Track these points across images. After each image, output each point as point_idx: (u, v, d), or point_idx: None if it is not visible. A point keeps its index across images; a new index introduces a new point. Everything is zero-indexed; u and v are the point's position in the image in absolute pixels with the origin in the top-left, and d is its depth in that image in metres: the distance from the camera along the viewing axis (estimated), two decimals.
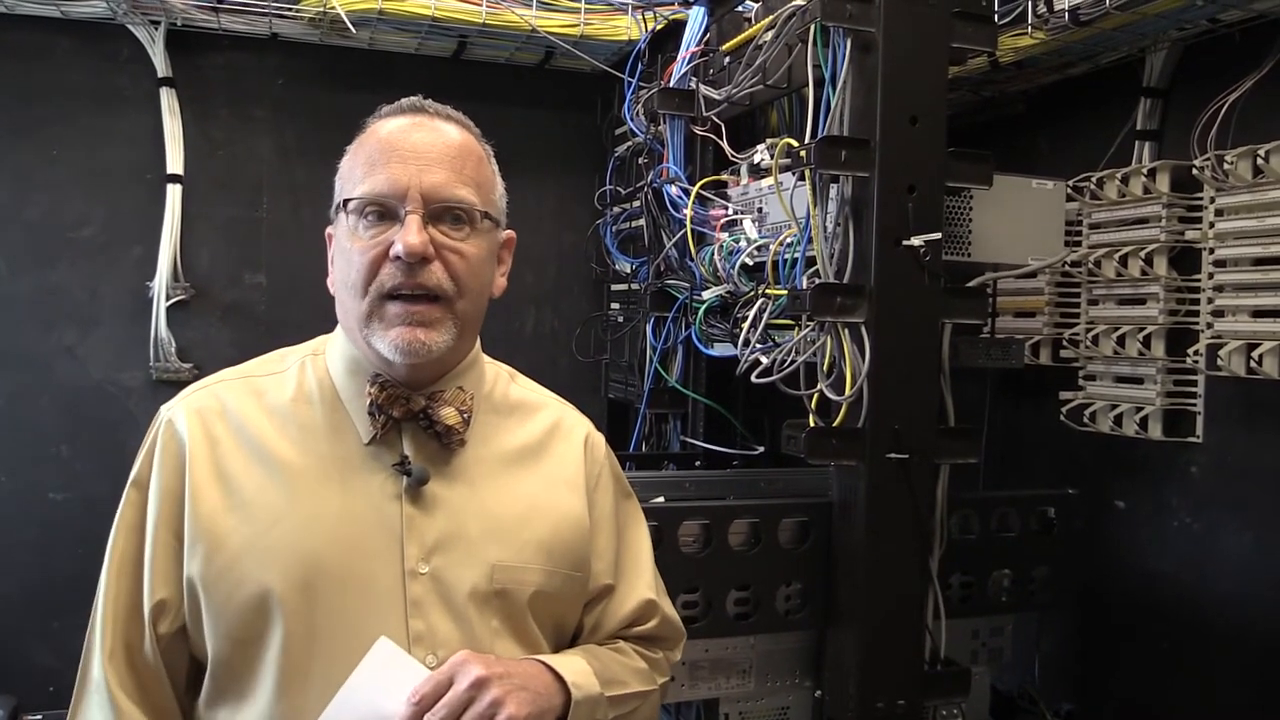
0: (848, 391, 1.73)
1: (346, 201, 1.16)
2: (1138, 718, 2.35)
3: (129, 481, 1.19)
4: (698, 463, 2.46)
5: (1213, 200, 2.08)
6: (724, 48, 2.24)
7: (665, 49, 2.57)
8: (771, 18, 1.93)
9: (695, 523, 1.83)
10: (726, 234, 2.12)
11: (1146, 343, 2.19)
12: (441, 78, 2.99)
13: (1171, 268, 2.18)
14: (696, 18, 2.37)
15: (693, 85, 2.32)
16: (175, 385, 1.18)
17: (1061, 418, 2.38)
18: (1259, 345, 1.95)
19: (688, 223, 2.23)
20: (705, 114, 2.28)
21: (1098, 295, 2.33)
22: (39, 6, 2.67)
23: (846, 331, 1.74)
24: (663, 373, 2.52)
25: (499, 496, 1.22)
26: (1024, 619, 2.19)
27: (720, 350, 2.26)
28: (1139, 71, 2.31)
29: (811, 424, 1.78)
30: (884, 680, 1.78)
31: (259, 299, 2.98)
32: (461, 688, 1.06)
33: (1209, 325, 2.08)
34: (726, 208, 2.17)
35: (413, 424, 1.20)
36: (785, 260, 1.89)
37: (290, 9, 2.72)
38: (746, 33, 2.13)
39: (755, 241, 2.02)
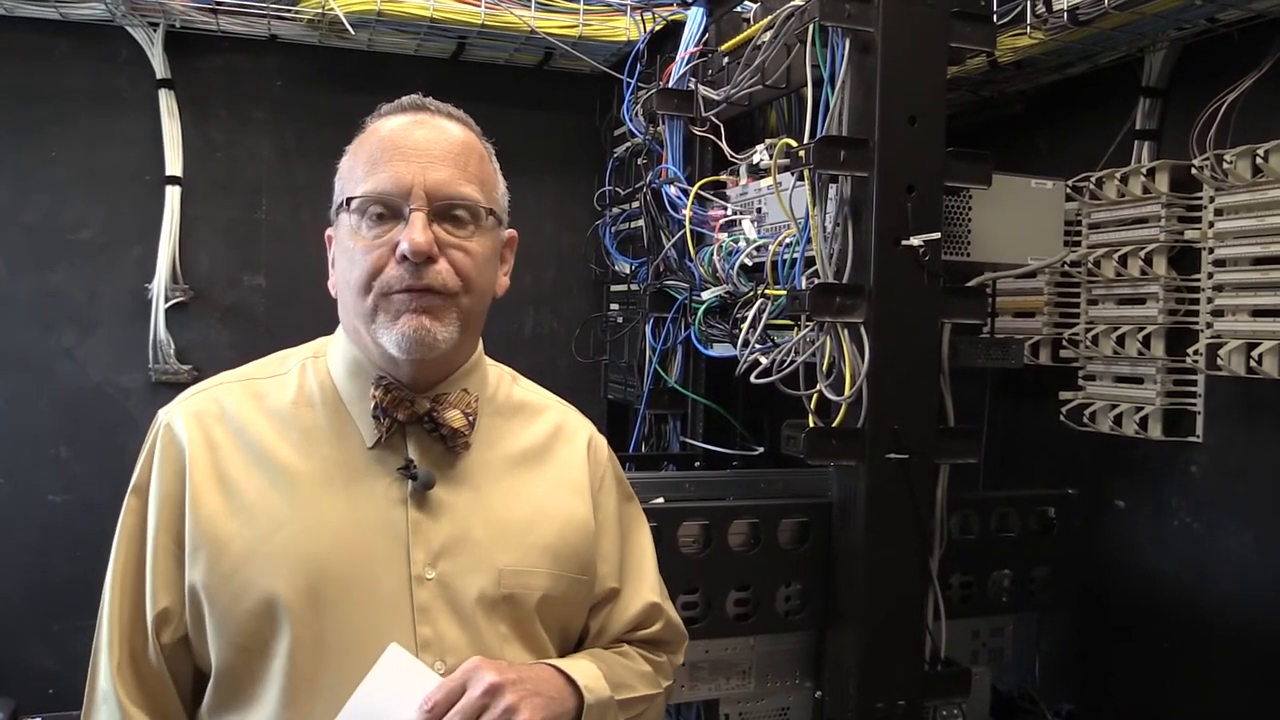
0: (847, 392, 1.72)
1: (349, 200, 1.15)
2: (1138, 718, 2.35)
3: (129, 488, 1.17)
4: (697, 463, 2.46)
5: (1212, 200, 2.07)
6: (723, 48, 2.24)
7: (664, 49, 2.57)
8: (770, 18, 1.93)
9: (695, 523, 1.83)
10: (725, 234, 2.12)
11: (1146, 342, 2.19)
12: (440, 79, 2.99)
13: (1171, 267, 2.18)
14: (695, 18, 2.37)
15: (691, 86, 2.32)
16: (174, 387, 1.17)
17: (1061, 418, 2.38)
18: (1259, 344, 1.95)
19: (687, 223, 2.22)
20: (704, 114, 2.28)
21: (1097, 295, 2.33)
22: (37, 8, 2.67)
23: (846, 332, 1.74)
24: (662, 373, 2.52)
25: (504, 500, 1.21)
26: (1024, 619, 2.19)
27: (719, 351, 2.26)
28: (1138, 71, 2.31)
29: (811, 424, 1.77)
30: (884, 681, 1.78)
31: (258, 301, 2.98)
32: (475, 694, 1.05)
33: (1209, 325, 2.08)
34: (725, 208, 2.17)
35: (417, 427, 1.18)
36: (784, 260, 1.89)
37: (289, 11, 2.72)
38: (745, 33, 2.13)
39: (754, 242, 2.02)
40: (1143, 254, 2.19)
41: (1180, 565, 2.25)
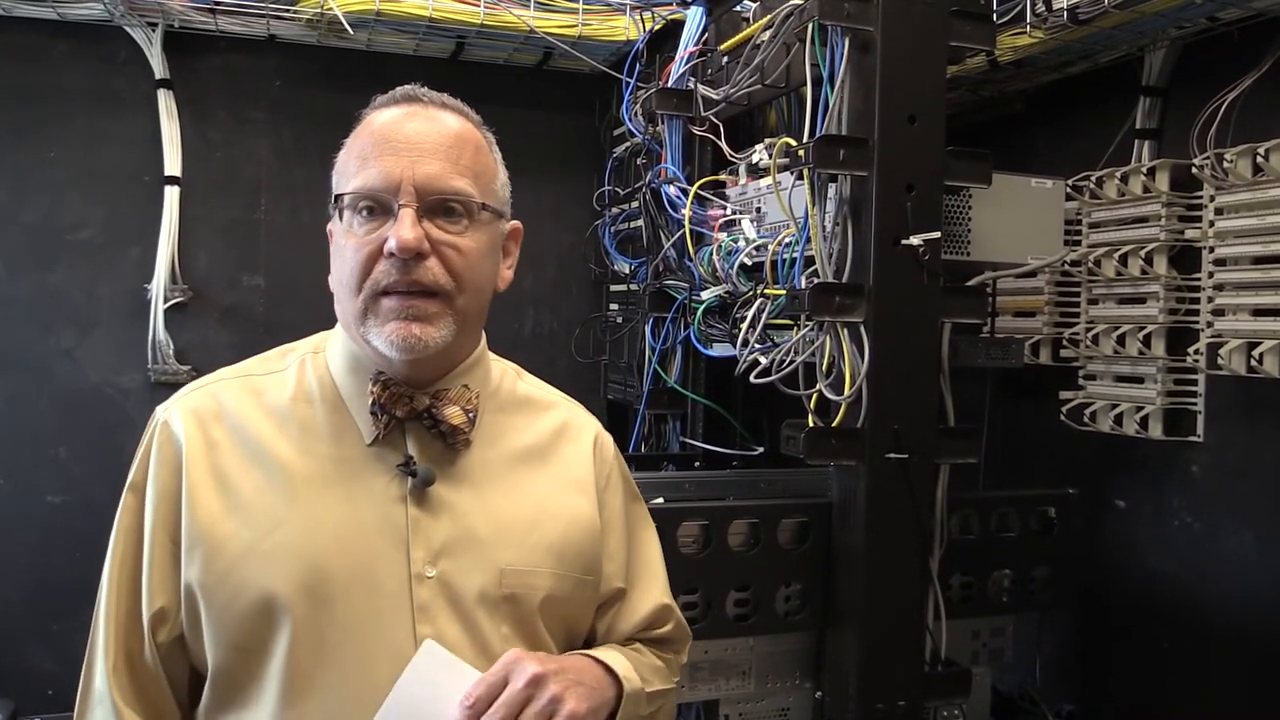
0: (847, 391, 1.72)
1: (340, 197, 1.14)
2: (1138, 718, 2.35)
3: (126, 485, 1.16)
4: (697, 463, 2.45)
5: (1212, 199, 2.07)
6: (722, 47, 2.24)
7: (663, 49, 2.57)
8: (769, 17, 1.92)
9: (694, 523, 1.83)
10: (725, 234, 2.12)
11: (1147, 342, 2.19)
12: (439, 79, 2.91)
13: (1171, 267, 2.17)
14: (694, 18, 2.36)
15: (691, 85, 2.32)
16: (173, 387, 1.17)
17: (1062, 417, 2.38)
18: (1259, 344, 1.94)
19: (686, 223, 2.22)
20: (703, 114, 2.27)
21: (1097, 294, 2.33)
22: (36, 8, 2.67)
23: (845, 331, 1.74)
24: (662, 373, 2.52)
25: (507, 498, 1.20)
26: (1024, 619, 2.19)
27: (719, 350, 2.25)
28: (1138, 70, 2.31)
29: (811, 424, 1.77)
30: (884, 681, 1.78)
31: (257, 301, 2.98)
32: (518, 686, 1.03)
33: (1209, 324, 2.07)
34: (725, 208, 2.17)
35: (416, 424, 1.16)
36: (784, 260, 1.88)
37: (288, 10, 2.72)
38: (744, 32, 2.13)
39: (754, 241, 2.02)
40: (1143, 253, 2.18)
41: (1181, 565, 2.25)
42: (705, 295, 2.19)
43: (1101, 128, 2.41)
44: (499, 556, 1.16)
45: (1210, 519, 2.19)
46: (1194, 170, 2.08)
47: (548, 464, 1.25)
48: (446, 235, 1.12)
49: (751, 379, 1.87)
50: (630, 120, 2.56)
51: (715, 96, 2.21)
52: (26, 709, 2.60)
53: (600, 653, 1.21)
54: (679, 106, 2.34)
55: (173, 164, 2.87)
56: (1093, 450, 2.41)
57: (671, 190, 2.31)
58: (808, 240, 1.80)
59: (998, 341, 1.94)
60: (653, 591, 1.32)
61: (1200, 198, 2.12)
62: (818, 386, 1.76)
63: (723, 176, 2.29)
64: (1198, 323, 2.12)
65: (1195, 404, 2.17)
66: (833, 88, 1.76)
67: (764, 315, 1.90)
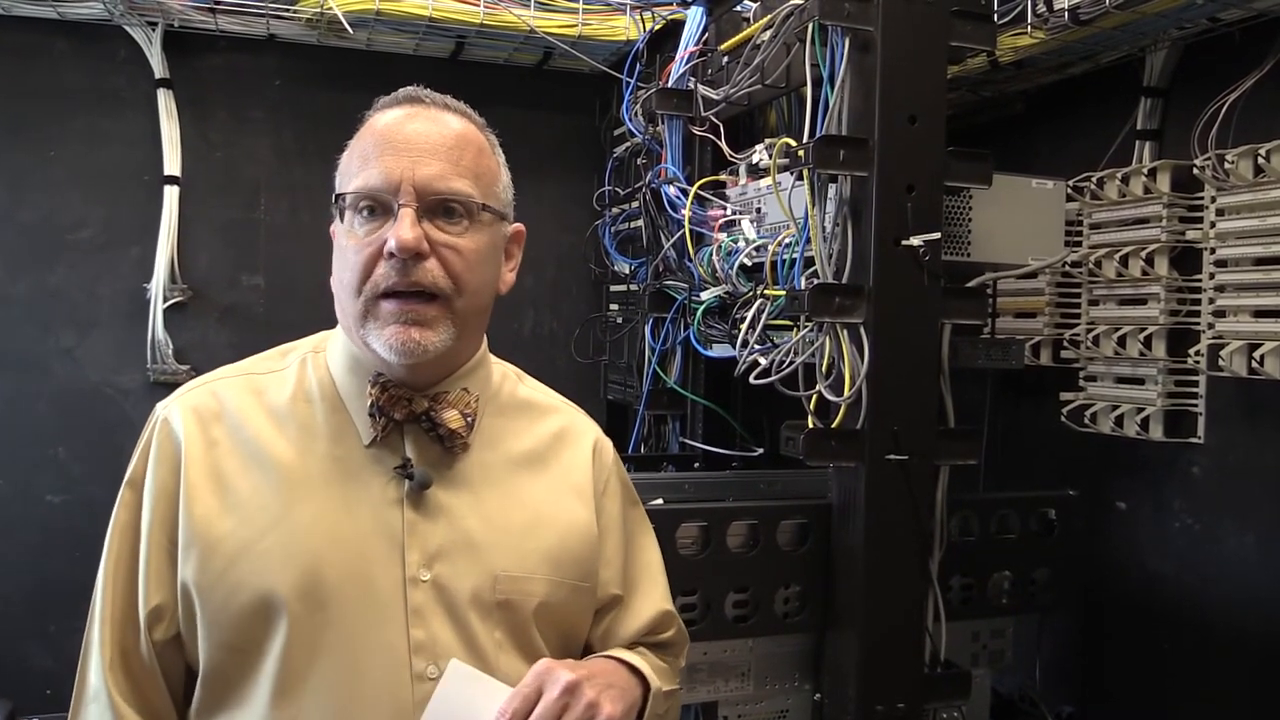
0: (846, 392, 1.72)
1: (341, 197, 1.13)
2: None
3: (124, 481, 1.16)
4: (696, 464, 2.45)
5: (1214, 200, 2.07)
6: (722, 47, 2.24)
7: (664, 49, 2.56)
8: (770, 17, 1.92)
9: (694, 524, 1.82)
10: (725, 234, 2.12)
11: (1147, 343, 2.18)
12: (439, 78, 2.93)
13: (1172, 268, 2.17)
14: (695, 18, 2.36)
15: (691, 85, 2.31)
16: (172, 387, 1.17)
17: (1062, 418, 2.37)
18: (1260, 345, 1.94)
19: (686, 223, 2.22)
20: (703, 114, 2.27)
21: (1098, 295, 2.33)
22: (35, 8, 2.66)
23: (845, 332, 1.73)
24: (661, 374, 2.51)
25: (504, 504, 1.19)
26: (1025, 621, 2.18)
27: (719, 351, 2.25)
28: (1139, 71, 2.31)
29: (810, 425, 1.77)
30: (884, 683, 1.77)
31: (257, 301, 2.98)
32: (553, 696, 1.03)
33: (1210, 325, 2.07)
34: (725, 208, 2.17)
35: (415, 426, 1.16)
36: (784, 260, 1.88)
37: (287, 10, 2.72)
38: (745, 32, 2.12)
39: (754, 242, 2.02)
40: (1144, 254, 2.18)
41: (1181, 567, 2.24)
42: (705, 296, 2.19)
43: (1102, 128, 2.40)
44: (494, 562, 1.15)
45: (1211, 520, 2.19)
46: (1195, 171, 2.07)
47: (546, 469, 1.25)
48: (446, 236, 1.11)
49: (751, 380, 1.86)
50: (630, 120, 2.56)
51: (715, 96, 2.21)
52: (25, 708, 2.60)
53: (621, 654, 1.22)
54: (679, 106, 2.34)
55: (172, 163, 2.87)
56: (1093, 451, 2.40)
57: (671, 190, 2.31)
58: (808, 241, 1.80)
59: (998, 343, 1.94)
60: (653, 597, 1.32)
61: (1201, 199, 2.11)
62: (817, 387, 1.76)
63: (723, 177, 2.28)
64: (1199, 324, 2.11)
65: (1196, 405, 2.17)
66: (833, 88, 1.76)
67: (764, 316, 1.89)
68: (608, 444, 1.34)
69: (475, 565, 1.14)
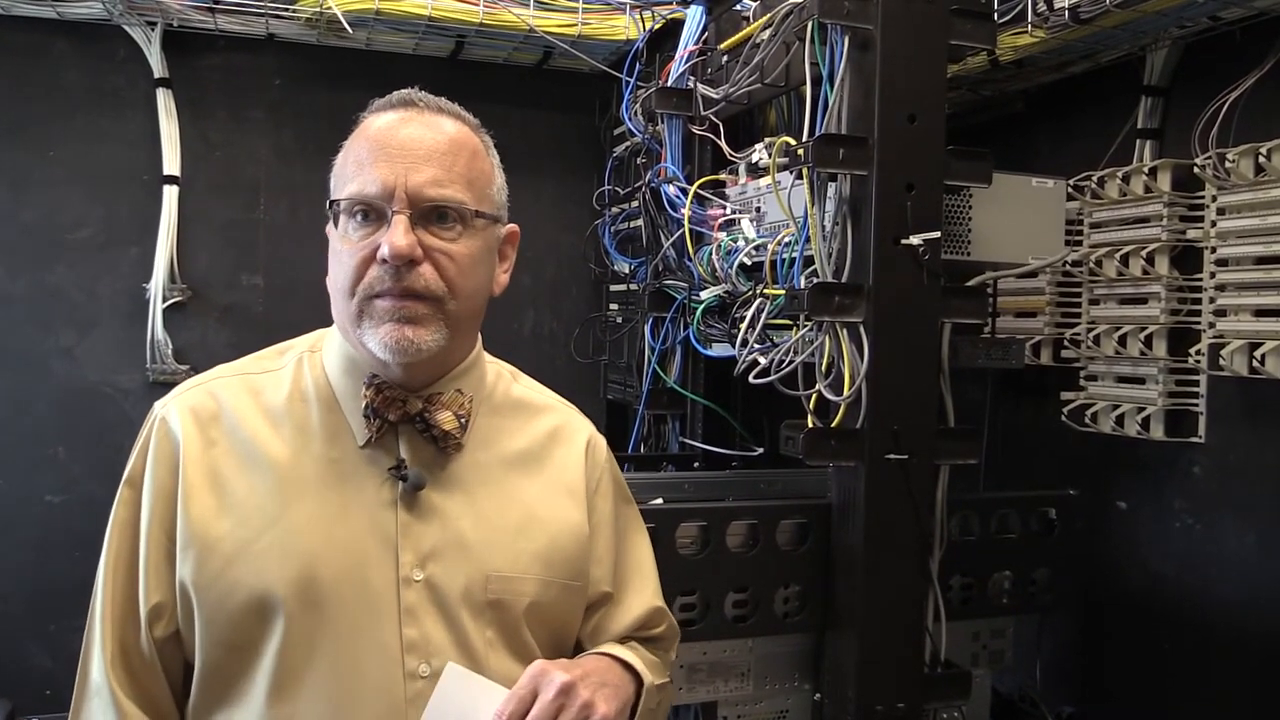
0: (846, 392, 1.71)
1: (335, 202, 1.14)
2: None
3: (123, 480, 1.17)
4: (696, 464, 2.45)
5: (1214, 199, 2.06)
6: (722, 46, 2.23)
7: (663, 48, 2.56)
8: (769, 16, 1.91)
9: (693, 524, 1.82)
10: (724, 234, 2.11)
11: (1148, 342, 2.18)
12: (439, 78, 2.94)
13: (1173, 267, 2.16)
14: (694, 17, 2.36)
15: (691, 84, 2.31)
16: (172, 387, 1.18)
17: (1063, 418, 2.37)
18: (1261, 345, 1.93)
19: (686, 222, 2.21)
20: (703, 113, 2.26)
21: (1099, 295, 2.32)
22: (35, 7, 2.66)
23: (845, 331, 1.73)
24: (661, 373, 2.51)
25: (497, 504, 1.20)
26: (1025, 621, 2.18)
27: (718, 351, 2.25)
28: (1140, 70, 2.30)
29: (810, 425, 1.76)
30: (883, 683, 1.77)
31: (256, 300, 2.98)
32: (549, 697, 1.05)
33: (1211, 325, 2.06)
34: (724, 207, 2.16)
35: (409, 427, 1.17)
36: (783, 260, 1.88)
37: (287, 9, 2.72)
38: (744, 31, 2.12)
39: (753, 241, 2.01)
40: (1145, 253, 2.17)
41: (1182, 566, 2.24)
42: (705, 295, 2.18)
43: (1103, 127, 2.40)
44: (486, 562, 1.17)
45: (1212, 520, 2.18)
46: (1196, 170, 2.07)
47: (540, 469, 1.26)
48: (439, 242, 1.12)
49: (751, 379, 1.86)
50: (630, 119, 2.56)
51: (715, 96, 2.20)
52: (24, 709, 2.60)
53: (614, 650, 1.24)
54: (679, 106, 2.34)
55: (172, 163, 2.86)
56: (1094, 451, 2.40)
57: (671, 190, 2.31)
58: (807, 240, 1.79)
59: (998, 342, 1.94)
60: (644, 594, 1.34)
61: (1202, 198, 2.11)
62: (817, 387, 1.75)
63: (722, 176, 2.28)
64: (1199, 323, 2.11)
65: (1197, 405, 2.16)
66: (832, 87, 1.75)
67: (763, 315, 1.89)
68: (601, 442, 1.35)
69: (467, 565, 1.16)
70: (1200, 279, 2.11)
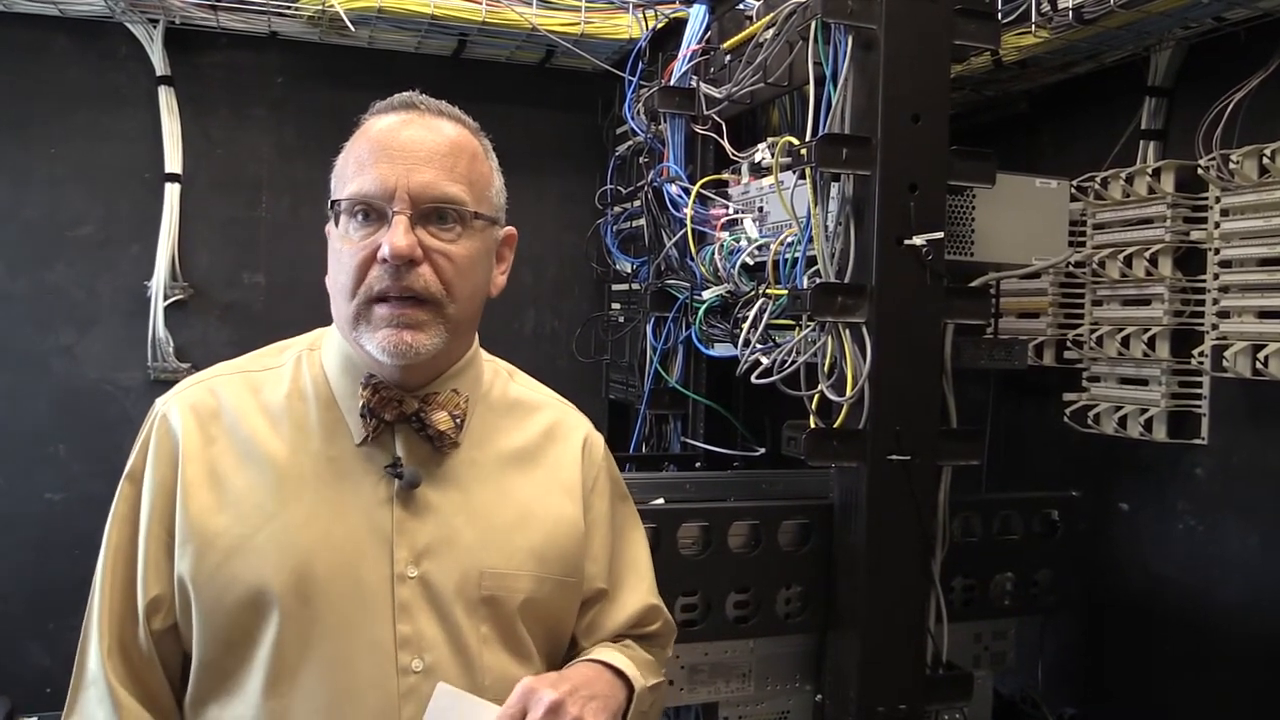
0: (849, 392, 1.71)
1: (336, 202, 1.16)
2: None
3: (124, 475, 1.18)
4: (698, 464, 2.45)
5: (1218, 200, 2.06)
6: (725, 46, 2.23)
7: (666, 47, 2.56)
8: (772, 15, 1.91)
9: (695, 524, 1.82)
10: (727, 233, 2.11)
11: (1151, 344, 2.18)
12: (441, 76, 2.98)
13: (1176, 268, 2.16)
14: (697, 16, 2.35)
15: (693, 84, 2.31)
16: (172, 385, 1.18)
17: (1065, 419, 2.37)
18: (1265, 346, 1.93)
19: (688, 222, 2.21)
20: (706, 113, 2.26)
21: (1102, 296, 2.32)
22: (36, 4, 2.66)
23: (847, 332, 1.73)
24: (663, 373, 2.51)
25: (492, 501, 1.22)
26: (1027, 622, 2.17)
27: (721, 351, 2.24)
28: (1143, 70, 2.30)
29: (812, 425, 1.76)
30: (885, 684, 1.76)
31: (257, 299, 2.98)
32: (537, 716, 1.06)
33: (1214, 326, 2.06)
34: (727, 207, 2.16)
35: (406, 426, 1.19)
36: (786, 260, 1.87)
37: (289, 7, 2.71)
38: (747, 30, 2.12)
39: (756, 241, 2.01)
40: (1148, 255, 2.17)
41: (1185, 568, 2.23)
42: (707, 295, 2.18)
43: (1106, 128, 2.39)
44: (481, 559, 1.18)
45: (1214, 522, 2.18)
46: (1199, 171, 2.06)
47: (535, 466, 1.27)
48: (439, 242, 1.14)
49: (753, 379, 1.86)
50: (632, 119, 2.55)
51: (718, 95, 2.20)
52: (24, 707, 2.60)
53: (604, 655, 1.23)
54: (681, 105, 2.33)
55: (173, 161, 2.86)
56: (1096, 452, 2.40)
57: (673, 189, 2.30)
58: (810, 240, 1.79)
59: (1001, 343, 1.93)
60: (639, 591, 1.34)
61: (1206, 199, 2.10)
62: (819, 387, 1.75)
63: (725, 175, 2.28)
64: (1202, 325, 2.10)
65: (1200, 406, 2.16)
66: (836, 86, 1.75)
67: (766, 315, 1.89)
68: (598, 439, 1.36)
69: (462, 562, 1.17)
70: (1204, 280, 2.11)
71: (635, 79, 2.56)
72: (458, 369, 1.23)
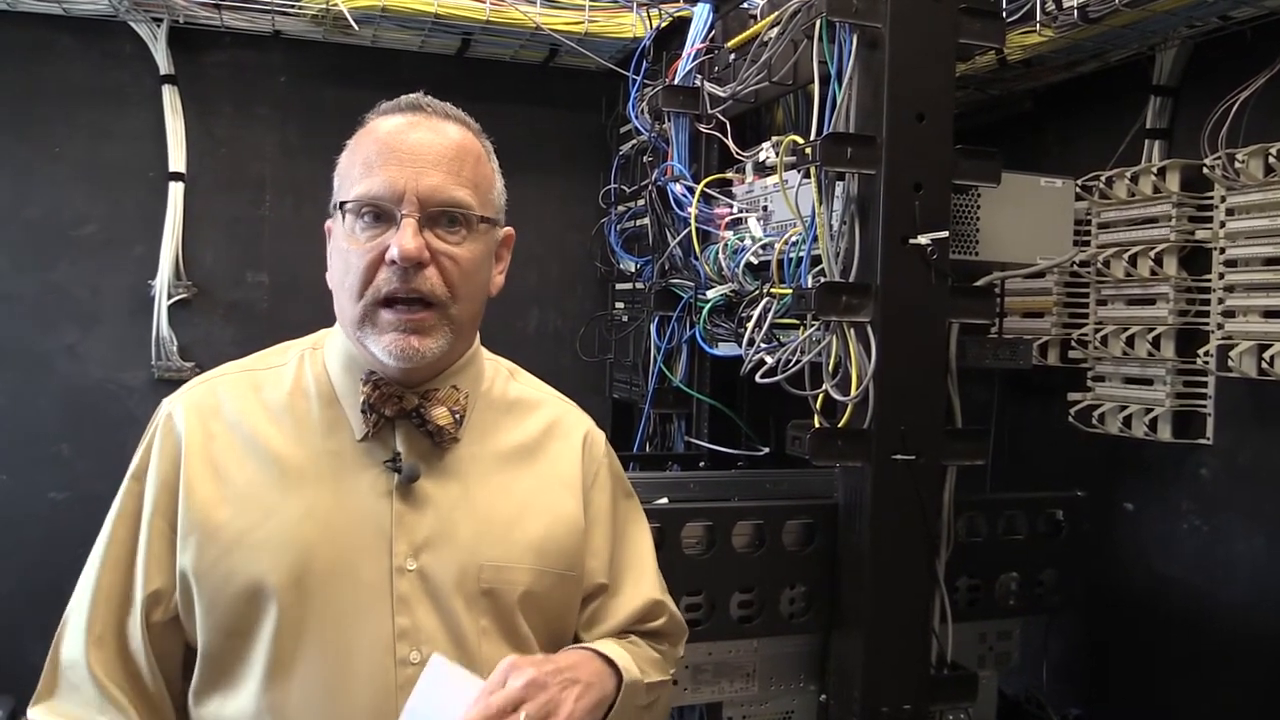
0: (853, 392, 1.71)
1: (344, 203, 1.17)
2: None
3: (128, 473, 1.21)
4: (702, 463, 2.45)
5: (1223, 199, 2.05)
6: (729, 44, 2.23)
7: (670, 46, 2.56)
8: (777, 14, 1.91)
9: (699, 524, 1.82)
10: (731, 232, 2.11)
11: (1156, 343, 2.17)
12: (445, 75, 2.98)
13: (1181, 268, 2.15)
14: (701, 14, 2.35)
15: (698, 83, 2.30)
16: (176, 384, 1.19)
17: (1070, 419, 2.36)
18: (1270, 346, 1.93)
19: (692, 221, 2.21)
20: (710, 111, 2.26)
21: (1107, 295, 2.31)
22: (41, 3, 2.66)
23: (852, 331, 1.72)
24: (667, 372, 2.51)
25: (491, 495, 1.23)
26: (1032, 622, 2.17)
27: (725, 350, 2.24)
28: (1149, 69, 2.29)
29: (816, 424, 1.76)
30: (889, 684, 1.76)
31: (261, 297, 2.98)
32: (515, 687, 1.07)
33: (1219, 326, 2.06)
34: (731, 206, 2.16)
35: (406, 422, 1.20)
36: (790, 259, 1.87)
37: (293, 6, 2.71)
38: (752, 29, 2.11)
39: (760, 240, 2.01)
40: (1153, 254, 2.16)
41: (1190, 569, 2.23)
42: (711, 294, 2.18)
43: (1112, 127, 2.39)
44: (479, 552, 1.20)
45: (1219, 522, 2.17)
46: (1205, 170, 2.06)
47: (535, 462, 1.29)
48: (445, 245, 1.16)
49: (757, 379, 1.86)
50: (637, 118, 2.55)
51: (722, 94, 2.20)
52: (27, 706, 2.60)
53: (599, 644, 1.24)
54: (685, 104, 2.33)
55: (177, 160, 2.86)
56: (1101, 452, 2.39)
57: (678, 188, 2.30)
58: (814, 239, 1.79)
59: (1006, 342, 1.93)
60: (642, 586, 1.35)
61: (1211, 198, 2.10)
62: (824, 387, 1.75)
63: (729, 174, 2.28)
64: (1208, 324, 2.10)
65: (1205, 406, 2.16)
66: (840, 85, 1.75)
67: (770, 314, 1.88)
68: (600, 437, 1.37)
69: (460, 555, 1.19)
70: (1209, 280, 2.10)
71: (639, 78, 2.56)
72: (458, 367, 1.25)
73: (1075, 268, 2.35)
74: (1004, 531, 2.02)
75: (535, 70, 3.12)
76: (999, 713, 2.11)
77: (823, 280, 1.75)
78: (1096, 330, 2.32)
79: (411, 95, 1.22)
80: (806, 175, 1.78)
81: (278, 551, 1.13)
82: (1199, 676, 2.20)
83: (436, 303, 1.15)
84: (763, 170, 2.11)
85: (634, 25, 2.76)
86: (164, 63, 2.82)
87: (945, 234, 1.73)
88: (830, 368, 1.75)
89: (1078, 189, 2.21)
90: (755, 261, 2.02)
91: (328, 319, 1.27)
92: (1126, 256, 2.22)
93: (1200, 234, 2.12)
